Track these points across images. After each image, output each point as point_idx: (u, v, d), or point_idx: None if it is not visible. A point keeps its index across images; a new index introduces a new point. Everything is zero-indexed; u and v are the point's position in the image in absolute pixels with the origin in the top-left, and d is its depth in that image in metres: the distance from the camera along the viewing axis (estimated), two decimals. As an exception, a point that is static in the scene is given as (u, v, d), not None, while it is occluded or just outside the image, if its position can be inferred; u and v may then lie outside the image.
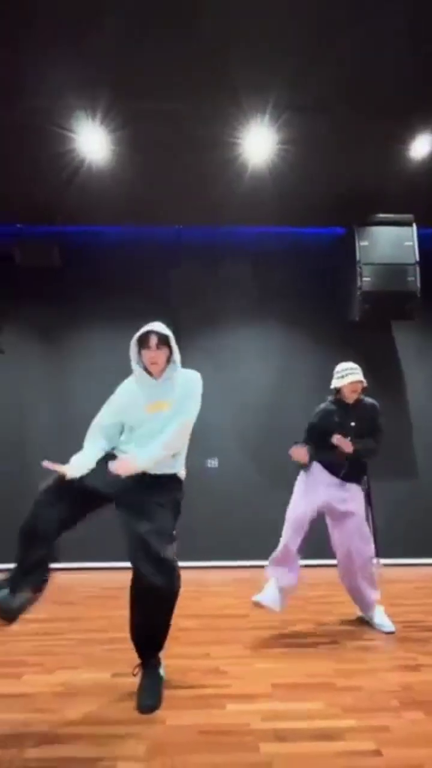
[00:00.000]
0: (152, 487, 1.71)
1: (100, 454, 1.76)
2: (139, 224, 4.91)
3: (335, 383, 2.61)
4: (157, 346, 1.80)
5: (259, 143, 4.08)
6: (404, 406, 4.76)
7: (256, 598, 2.29)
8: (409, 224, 4.27)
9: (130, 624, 1.67)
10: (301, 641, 2.24)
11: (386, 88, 3.60)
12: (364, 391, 2.59)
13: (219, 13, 3.11)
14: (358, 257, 4.22)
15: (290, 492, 2.61)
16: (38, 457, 4.50)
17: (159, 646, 1.70)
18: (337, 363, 4.88)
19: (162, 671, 1.74)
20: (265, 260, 5.01)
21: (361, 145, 4.08)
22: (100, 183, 4.41)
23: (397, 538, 4.26)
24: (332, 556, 2.58)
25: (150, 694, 1.61)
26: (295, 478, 2.62)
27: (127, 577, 1.62)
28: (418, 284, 4.11)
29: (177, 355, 1.89)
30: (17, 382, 4.70)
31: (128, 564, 1.56)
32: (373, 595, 2.45)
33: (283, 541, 2.41)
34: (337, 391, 2.61)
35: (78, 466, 1.65)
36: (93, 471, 1.66)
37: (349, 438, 2.45)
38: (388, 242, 4.24)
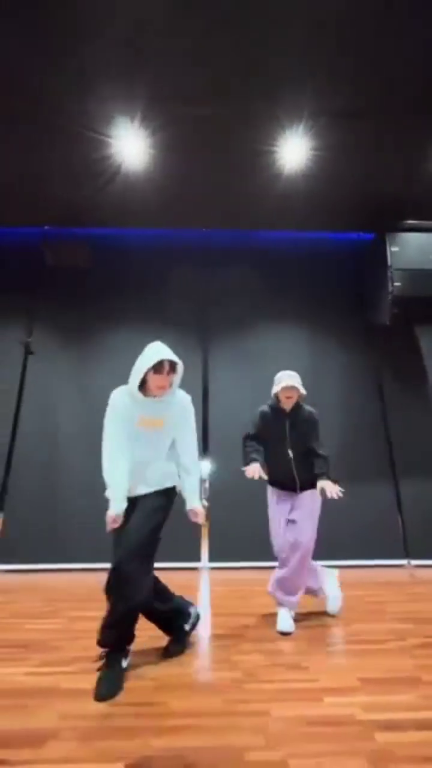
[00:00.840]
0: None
1: (126, 476, 1.87)
2: (169, 227, 4.96)
3: (274, 390, 2.61)
4: (168, 373, 1.88)
5: (293, 149, 4.16)
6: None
7: (281, 629, 2.29)
8: (439, 230, 4.37)
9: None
10: (367, 638, 2.25)
11: (419, 95, 3.70)
12: (300, 398, 2.59)
13: (257, 22, 3.20)
14: (389, 262, 4.30)
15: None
16: (68, 452, 4.56)
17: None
18: (363, 366, 4.96)
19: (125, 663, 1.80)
20: (294, 263, 5.08)
21: (392, 152, 4.19)
22: (134, 186, 4.47)
23: (429, 539, 4.30)
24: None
25: (114, 684, 1.64)
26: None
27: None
28: (449, 290, 4.20)
29: (178, 380, 1.99)
30: (47, 382, 4.69)
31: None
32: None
33: (278, 553, 2.49)
34: (276, 398, 2.62)
35: (123, 500, 1.82)
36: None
37: (288, 447, 2.51)
38: (419, 248, 4.33)
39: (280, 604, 2.41)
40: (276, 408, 2.59)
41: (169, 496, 1.96)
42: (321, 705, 1.55)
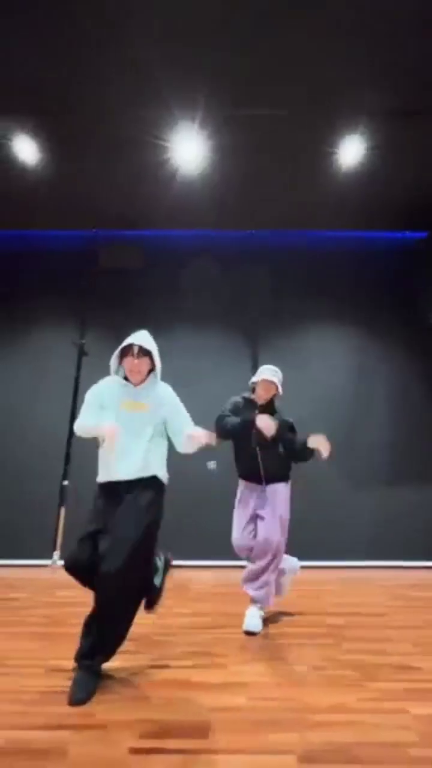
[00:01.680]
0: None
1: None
2: (222, 228, 5.00)
3: (253, 380, 2.58)
4: (138, 356, 1.92)
5: (349, 150, 4.16)
6: None
7: (246, 628, 2.28)
8: None
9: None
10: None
11: None
12: (277, 397, 2.55)
13: (314, 23, 3.20)
14: (443, 261, 4.27)
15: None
16: None
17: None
18: (413, 366, 4.93)
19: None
20: (343, 263, 5.08)
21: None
22: (189, 188, 4.51)
23: None
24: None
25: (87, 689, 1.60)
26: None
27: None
28: None
29: (158, 368, 2.02)
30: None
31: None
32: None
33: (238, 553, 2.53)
34: (252, 390, 2.58)
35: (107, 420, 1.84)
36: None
37: (256, 446, 2.42)
38: None
39: (252, 600, 2.36)
40: (249, 400, 2.55)
41: (156, 491, 1.87)
42: (453, 703, 1.59)
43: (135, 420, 1.90)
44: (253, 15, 3.17)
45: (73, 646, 1.72)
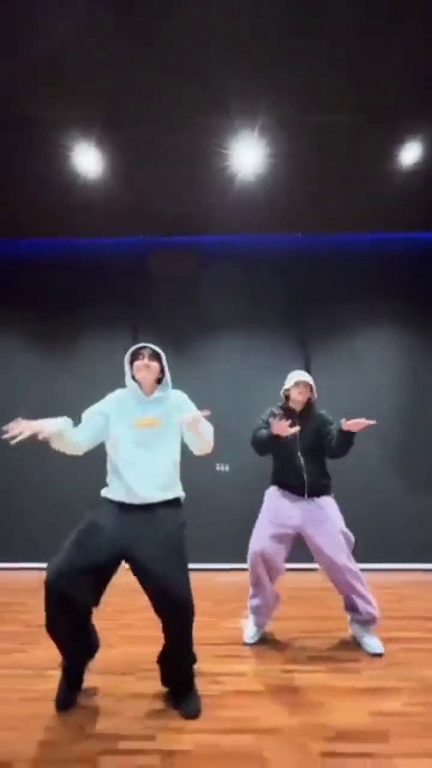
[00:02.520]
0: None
1: (73, 434, 1.70)
2: (275, 232, 5.04)
3: (285, 387, 2.48)
4: (149, 358, 1.88)
5: (410, 154, 4.18)
6: None
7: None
8: None
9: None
10: None
11: None
12: (312, 399, 2.46)
13: (374, 32, 3.22)
14: None
15: None
16: (185, 454, 4.59)
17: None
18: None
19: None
20: (396, 264, 5.10)
21: None
22: (246, 194, 4.56)
23: None
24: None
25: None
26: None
27: None
28: None
29: (168, 376, 1.96)
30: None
31: None
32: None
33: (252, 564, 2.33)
34: (286, 397, 2.48)
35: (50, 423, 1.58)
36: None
37: (297, 450, 2.34)
38: None
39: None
40: (286, 408, 2.45)
41: (179, 522, 1.77)
42: None
43: (152, 437, 1.83)
44: (316, 26, 3.21)
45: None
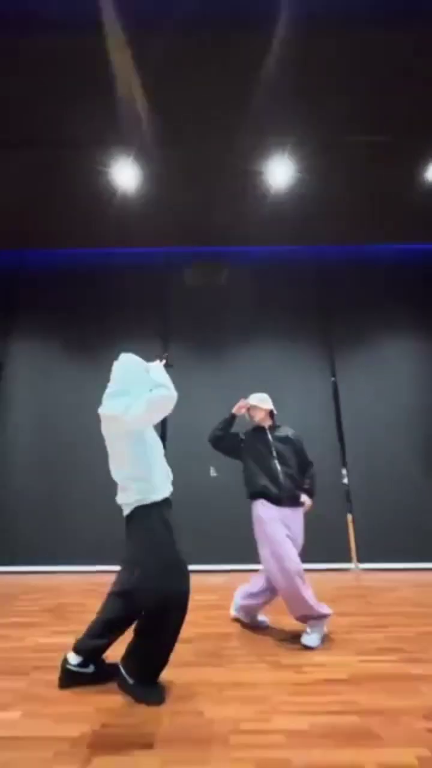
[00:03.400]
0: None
1: None
2: (305, 243, 5.24)
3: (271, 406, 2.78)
4: None
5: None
6: None
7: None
8: None
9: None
10: None
11: None
12: (273, 416, 2.78)
13: (411, 50, 3.46)
14: None
15: None
16: (213, 458, 4.68)
17: None
18: None
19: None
20: (418, 274, 5.33)
21: None
22: (277, 206, 4.75)
23: None
24: None
25: None
26: None
27: None
28: None
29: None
30: (187, 395, 5.00)
31: None
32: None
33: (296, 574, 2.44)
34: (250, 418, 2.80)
35: None
36: None
37: (275, 458, 2.59)
38: None
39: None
40: (256, 426, 2.76)
41: None
42: None
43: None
44: (354, 50, 3.45)
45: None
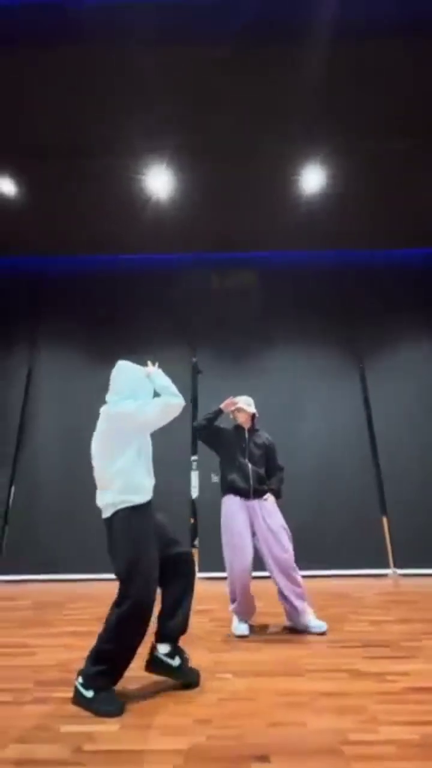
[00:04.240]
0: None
1: None
2: (335, 248, 5.27)
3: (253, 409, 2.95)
4: None
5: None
6: None
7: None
8: None
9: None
10: None
11: None
12: (254, 419, 2.95)
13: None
14: None
15: None
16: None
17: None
18: None
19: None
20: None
21: None
22: (312, 211, 4.79)
23: None
24: None
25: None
26: None
27: None
28: None
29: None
30: (215, 400, 4.99)
31: None
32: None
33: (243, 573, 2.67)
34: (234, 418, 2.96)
35: None
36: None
37: (246, 456, 2.80)
38: None
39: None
40: (237, 426, 2.96)
41: None
42: None
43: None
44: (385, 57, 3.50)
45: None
